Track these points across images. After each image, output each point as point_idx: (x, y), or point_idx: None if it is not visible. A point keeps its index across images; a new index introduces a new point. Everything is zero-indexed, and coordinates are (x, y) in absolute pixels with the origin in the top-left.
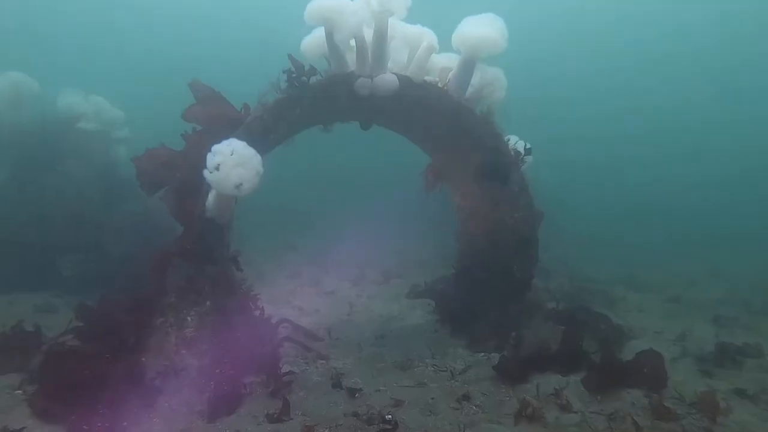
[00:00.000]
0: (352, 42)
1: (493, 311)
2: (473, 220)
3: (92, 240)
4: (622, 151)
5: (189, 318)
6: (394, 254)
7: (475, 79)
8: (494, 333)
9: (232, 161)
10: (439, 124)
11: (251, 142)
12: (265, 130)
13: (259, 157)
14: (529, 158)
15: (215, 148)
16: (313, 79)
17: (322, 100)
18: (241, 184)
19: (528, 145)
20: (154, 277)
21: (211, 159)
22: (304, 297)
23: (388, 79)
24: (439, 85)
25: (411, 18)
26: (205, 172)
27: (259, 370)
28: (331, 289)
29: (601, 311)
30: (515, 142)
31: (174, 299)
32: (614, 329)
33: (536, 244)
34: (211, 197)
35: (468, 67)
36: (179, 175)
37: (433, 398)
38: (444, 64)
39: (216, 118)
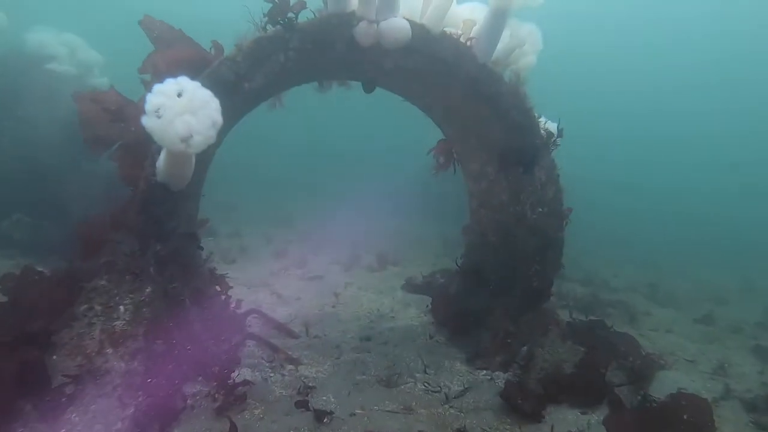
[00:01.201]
0: None
1: (501, 320)
2: (486, 210)
3: (52, 199)
4: (655, 151)
5: (122, 307)
6: (393, 235)
7: (505, 37)
8: (501, 347)
9: (178, 105)
10: (457, 89)
11: (219, 93)
12: (238, 78)
13: (216, 103)
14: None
15: (157, 86)
16: (302, 18)
17: (314, 48)
18: (189, 137)
19: (560, 126)
20: (82, 252)
21: (151, 100)
22: (286, 281)
23: (398, 25)
24: (462, 39)
25: None
26: (143, 119)
27: (210, 376)
28: (319, 272)
29: (622, 328)
30: (545, 122)
31: (104, 282)
32: (641, 355)
33: (561, 248)
34: (162, 157)
35: (498, 20)
36: (133, 129)
37: (421, 431)
38: (468, 15)
39: (179, 63)
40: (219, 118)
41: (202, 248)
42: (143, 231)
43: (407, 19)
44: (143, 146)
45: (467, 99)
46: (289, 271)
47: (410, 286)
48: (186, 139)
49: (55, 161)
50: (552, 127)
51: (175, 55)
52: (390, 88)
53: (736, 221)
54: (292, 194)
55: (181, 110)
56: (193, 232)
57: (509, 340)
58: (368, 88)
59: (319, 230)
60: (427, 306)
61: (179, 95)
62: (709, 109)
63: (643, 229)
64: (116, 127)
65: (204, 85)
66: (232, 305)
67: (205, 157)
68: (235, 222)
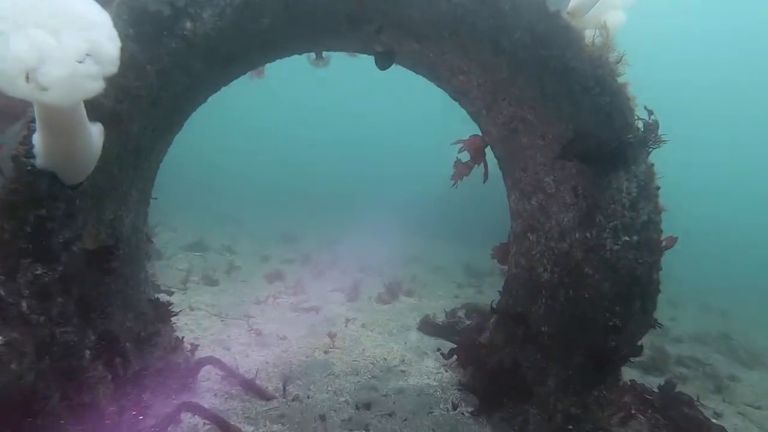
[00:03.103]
0: None
1: (558, 394)
2: (538, 235)
3: None
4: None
5: None
6: (407, 258)
7: None
8: None
9: (32, 16)
10: (511, 55)
11: (141, 36)
12: (176, 13)
13: (109, 24)
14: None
15: None
16: None
17: None
18: (40, 68)
19: (653, 117)
20: None
21: None
22: (272, 312)
23: None
24: None
25: None
26: None
27: None
28: (316, 302)
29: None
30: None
31: None
32: None
33: (655, 295)
34: (38, 127)
35: None
36: None
37: None
38: None
39: None
40: (109, 49)
41: (110, 271)
42: (9, 246)
43: None
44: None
45: (525, 69)
46: (281, 298)
47: (427, 327)
48: (36, 72)
49: None
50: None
51: None
52: (411, 63)
53: None
54: (300, 209)
55: (38, 21)
56: (108, 251)
57: (571, 428)
58: (383, 62)
59: (323, 249)
60: (450, 357)
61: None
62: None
63: (692, 261)
64: None
65: (118, 18)
66: (182, 352)
67: (138, 138)
68: (233, 236)
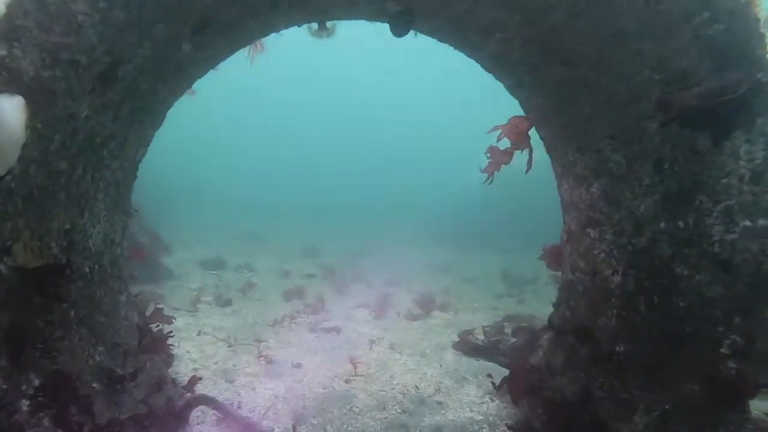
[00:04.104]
0: None
1: None
2: (600, 230)
3: None
4: None
5: None
6: (438, 271)
7: None
8: None
9: None
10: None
11: None
12: None
13: None
14: None
15: None
16: None
17: None
18: None
19: None
20: None
21: None
22: (288, 334)
23: None
24: None
25: None
26: None
27: None
28: (338, 321)
29: None
30: None
31: None
32: None
33: None
34: None
35: None
36: None
37: None
38: None
39: None
40: None
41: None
42: None
43: None
44: None
45: (591, 4)
46: (299, 318)
47: (465, 346)
48: None
49: None
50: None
51: None
52: (433, 26)
53: None
54: (323, 220)
55: None
56: (57, 266)
57: None
58: (399, 26)
59: (347, 262)
60: (501, 387)
61: None
62: None
63: None
64: None
65: None
66: (172, 389)
67: (92, 125)
68: (251, 252)
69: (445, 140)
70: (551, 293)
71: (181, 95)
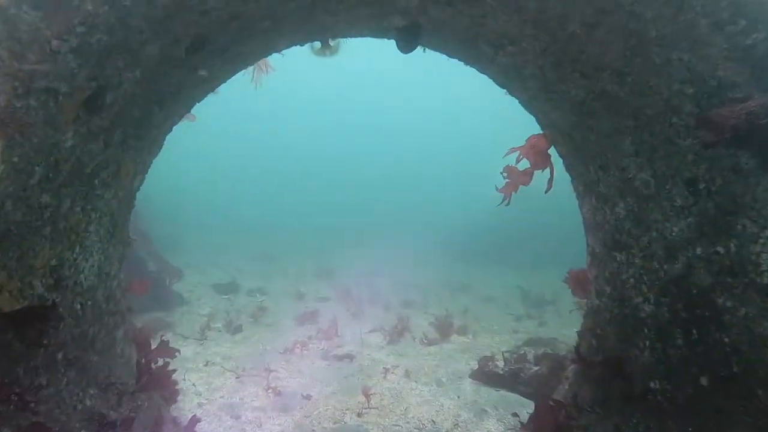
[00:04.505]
0: None
1: None
2: (626, 253)
3: None
4: None
5: None
6: (455, 291)
7: None
8: None
9: None
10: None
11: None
12: None
13: None
14: None
15: None
16: None
17: None
18: None
19: None
20: None
21: None
22: (300, 362)
23: None
24: None
25: None
26: None
27: None
28: (352, 347)
29: None
30: None
31: None
32: None
33: None
34: None
35: None
36: None
37: None
38: None
39: None
40: None
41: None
42: None
43: None
44: None
45: (612, 11)
46: (311, 344)
47: (485, 375)
48: None
49: None
50: None
51: None
52: (441, 40)
53: None
54: (338, 241)
55: None
56: (35, 310)
57: None
58: (406, 42)
59: (362, 283)
60: (518, 417)
61: None
62: None
63: None
64: None
65: None
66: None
67: (79, 155)
68: (266, 274)
69: (457, 157)
70: (573, 316)
71: (180, 119)
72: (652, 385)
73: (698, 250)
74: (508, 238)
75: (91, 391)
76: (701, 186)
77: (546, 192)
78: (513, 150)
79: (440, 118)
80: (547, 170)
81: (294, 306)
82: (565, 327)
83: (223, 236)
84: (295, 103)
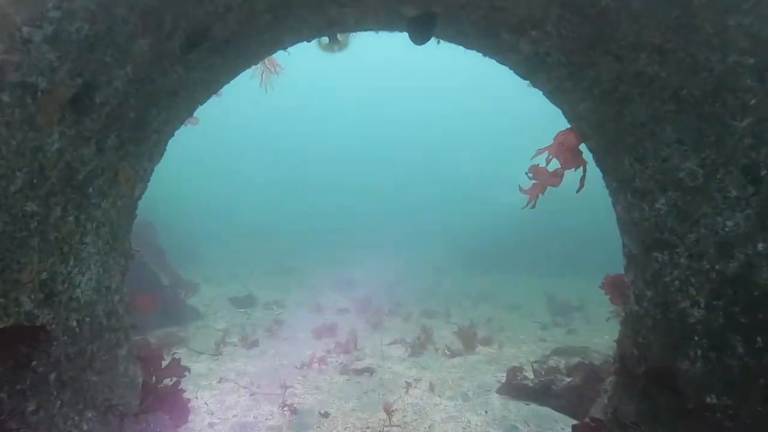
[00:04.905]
0: None
1: None
2: (672, 252)
3: None
4: None
5: None
6: (478, 300)
7: None
8: None
9: None
10: None
11: None
12: None
13: None
14: None
15: None
16: None
17: None
18: None
19: None
20: None
21: None
22: (317, 377)
23: None
24: None
25: None
26: None
27: None
28: (370, 361)
29: None
30: None
31: None
32: None
33: None
34: None
35: None
36: None
37: None
38: None
39: None
40: None
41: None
42: None
43: None
44: None
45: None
46: (329, 358)
47: (513, 388)
48: None
49: None
50: None
51: None
52: (456, 30)
53: None
54: (357, 251)
55: None
56: (22, 331)
57: None
58: (420, 32)
59: (381, 293)
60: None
61: None
62: None
63: None
64: None
65: None
66: None
67: (69, 160)
68: (284, 287)
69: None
70: (602, 322)
71: (182, 123)
72: (708, 400)
73: (759, 247)
74: (529, 243)
75: (89, 414)
76: (763, 173)
77: (578, 191)
78: (541, 151)
79: (460, 121)
80: (573, 169)
81: (311, 318)
82: (595, 335)
83: (240, 246)
84: (306, 111)
